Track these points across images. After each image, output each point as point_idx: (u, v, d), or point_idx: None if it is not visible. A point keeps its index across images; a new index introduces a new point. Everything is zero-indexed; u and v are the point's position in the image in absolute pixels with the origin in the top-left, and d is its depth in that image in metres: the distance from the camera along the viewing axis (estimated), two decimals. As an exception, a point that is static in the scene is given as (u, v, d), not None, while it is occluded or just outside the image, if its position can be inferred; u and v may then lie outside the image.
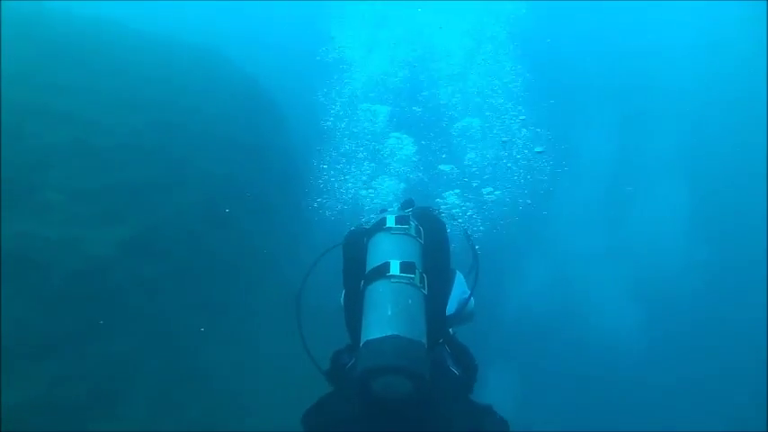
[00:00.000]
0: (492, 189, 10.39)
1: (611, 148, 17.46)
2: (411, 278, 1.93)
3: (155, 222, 6.49)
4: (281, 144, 11.63)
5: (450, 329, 2.35)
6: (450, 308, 2.25)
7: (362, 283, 1.99)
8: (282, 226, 10.09)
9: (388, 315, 1.81)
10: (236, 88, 11.60)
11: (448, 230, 2.28)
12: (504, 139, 10.34)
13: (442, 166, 10.83)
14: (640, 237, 17.16)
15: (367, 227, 2.25)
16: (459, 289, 2.44)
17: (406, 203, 2.50)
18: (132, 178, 6.58)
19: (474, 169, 10.39)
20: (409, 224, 2.14)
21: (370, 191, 8.84)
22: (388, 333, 1.76)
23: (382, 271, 1.95)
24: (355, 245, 2.20)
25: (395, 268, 1.94)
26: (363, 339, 1.82)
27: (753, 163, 18.45)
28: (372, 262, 2.02)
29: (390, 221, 2.14)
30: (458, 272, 2.51)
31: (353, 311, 2.02)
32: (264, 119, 11.52)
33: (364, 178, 9.07)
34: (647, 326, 15.19)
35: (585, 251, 16.62)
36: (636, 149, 17.90)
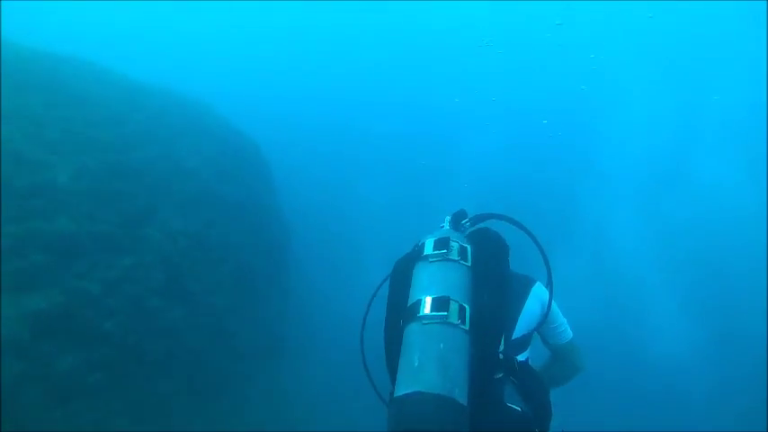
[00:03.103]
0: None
1: (665, 125, 15.57)
2: (443, 316, 1.61)
3: (90, 292, 4.62)
4: (265, 204, 10.02)
5: (524, 356, 2.00)
6: (519, 330, 1.97)
7: (402, 321, 1.72)
8: (265, 303, 8.21)
9: (414, 366, 1.53)
10: (221, 141, 10.12)
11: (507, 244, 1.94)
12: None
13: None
14: (699, 236, 14.59)
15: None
16: (538, 305, 2.09)
17: (458, 215, 2.17)
18: (66, 230, 4.78)
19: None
20: (449, 247, 1.80)
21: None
22: (411, 390, 1.48)
23: (414, 311, 1.66)
24: (401, 275, 1.90)
25: (424, 306, 1.64)
26: (394, 394, 1.55)
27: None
28: (411, 298, 1.73)
29: (428, 247, 1.82)
30: (537, 282, 2.13)
31: (392, 355, 1.73)
32: (248, 176, 9.98)
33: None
34: (707, 349, 12.16)
35: (631, 251, 14.14)
36: (695, 127, 15.92)
